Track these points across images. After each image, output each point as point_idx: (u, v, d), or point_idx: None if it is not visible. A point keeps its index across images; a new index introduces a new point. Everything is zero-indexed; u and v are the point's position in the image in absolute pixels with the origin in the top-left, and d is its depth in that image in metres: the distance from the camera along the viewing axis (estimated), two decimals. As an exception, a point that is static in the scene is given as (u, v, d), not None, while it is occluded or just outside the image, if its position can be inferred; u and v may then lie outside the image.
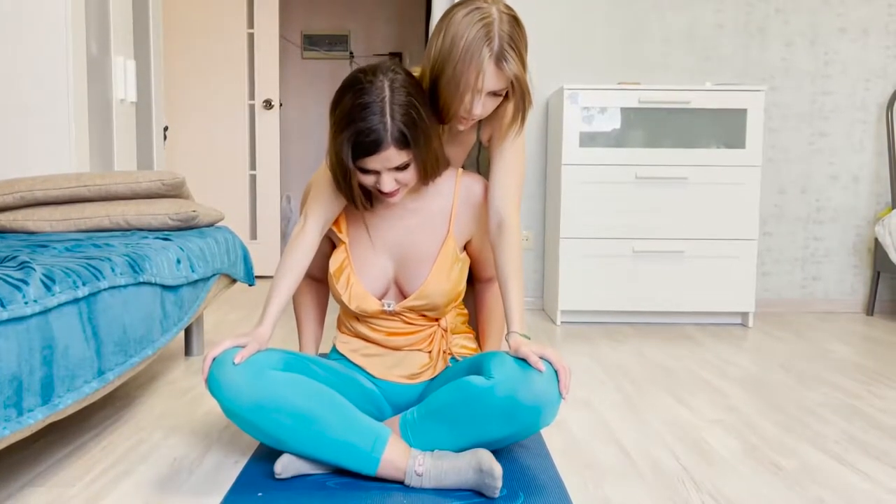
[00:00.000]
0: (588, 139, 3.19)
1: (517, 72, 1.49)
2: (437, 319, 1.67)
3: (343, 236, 1.65)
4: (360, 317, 1.67)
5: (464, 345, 1.72)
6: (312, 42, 5.87)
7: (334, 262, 1.65)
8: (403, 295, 1.65)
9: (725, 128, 3.19)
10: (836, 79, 3.60)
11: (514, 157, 1.64)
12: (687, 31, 3.57)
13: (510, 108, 1.58)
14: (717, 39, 3.57)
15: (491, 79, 1.48)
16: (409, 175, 1.50)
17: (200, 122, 4.68)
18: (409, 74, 1.50)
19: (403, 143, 1.43)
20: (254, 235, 4.82)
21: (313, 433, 1.40)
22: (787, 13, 3.57)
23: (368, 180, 1.50)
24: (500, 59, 1.47)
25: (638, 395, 2.15)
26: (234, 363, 1.41)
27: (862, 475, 1.57)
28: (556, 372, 1.41)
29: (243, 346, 1.45)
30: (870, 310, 3.61)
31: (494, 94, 1.52)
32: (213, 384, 1.41)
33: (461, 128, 1.59)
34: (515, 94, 1.54)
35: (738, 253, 3.20)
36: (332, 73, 5.89)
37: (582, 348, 2.78)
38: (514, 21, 1.51)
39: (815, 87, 3.60)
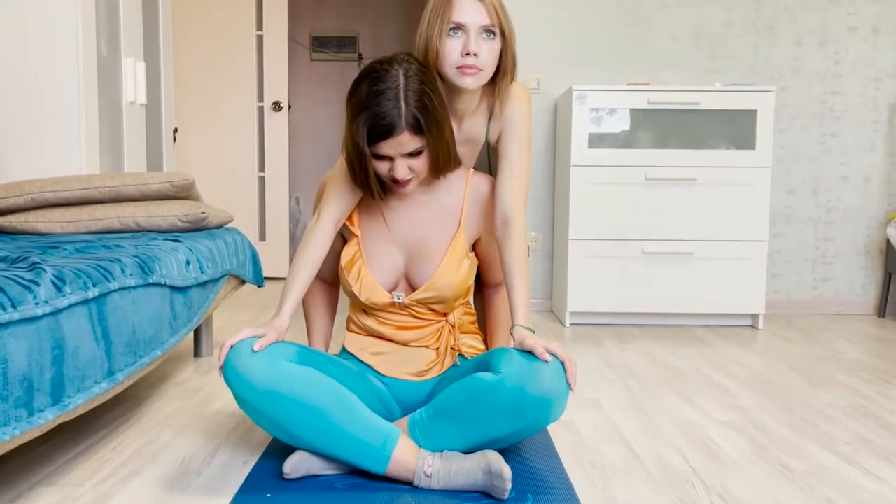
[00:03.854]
0: (597, 140, 3.19)
1: (495, 2, 1.58)
2: (445, 315, 1.68)
3: (355, 229, 1.68)
4: (368, 310, 1.68)
5: (471, 344, 1.73)
6: (321, 44, 5.88)
7: (346, 255, 1.67)
8: (413, 289, 1.66)
9: (735, 128, 3.17)
10: (846, 78, 3.58)
11: (520, 154, 1.66)
12: (695, 31, 3.56)
13: (508, 62, 1.64)
14: (725, 39, 3.56)
15: (471, 10, 1.56)
16: (422, 163, 1.53)
17: (210, 123, 4.70)
18: (422, 65, 1.55)
19: (417, 128, 1.47)
20: (262, 237, 4.83)
21: (325, 427, 1.41)
22: (797, 12, 3.55)
23: (382, 167, 1.53)
24: None
25: (646, 396, 2.15)
26: (251, 351, 1.42)
27: (871, 476, 1.56)
28: (562, 364, 1.41)
29: (261, 336, 1.47)
30: (881, 311, 3.59)
31: (486, 31, 1.58)
32: (228, 371, 1.42)
33: (468, 82, 1.60)
34: (500, 35, 1.60)
35: (747, 254, 3.19)
36: (340, 75, 5.89)
37: (590, 349, 2.78)
38: None
39: (826, 87, 3.59)
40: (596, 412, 1.99)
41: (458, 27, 1.57)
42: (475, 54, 1.57)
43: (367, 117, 1.46)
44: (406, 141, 1.47)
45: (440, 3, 1.59)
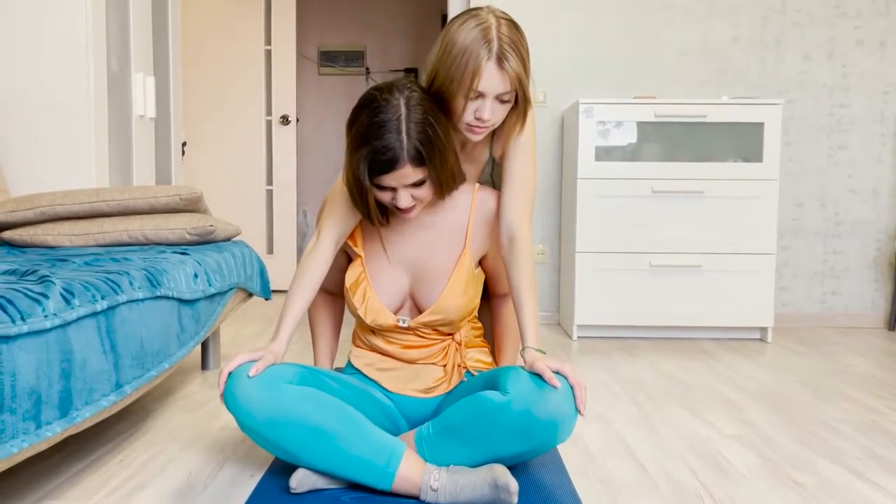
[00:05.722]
0: (604, 153, 3.19)
1: (519, 71, 1.50)
2: (451, 334, 1.68)
3: (359, 250, 1.66)
4: (375, 330, 1.67)
5: (479, 359, 1.72)
6: (329, 58, 5.92)
7: (350, 276, 1.65)
8: (419, 308, 1.65)
9: (742, 141, 3.17)
10: (854, 91, 3.58)
11: (525, 171, 1.64)
12: (702, 45, 3.56)
13: (513, 113, 1.59)
14: (732, 52, 3.57)
15: (494, 80, 1.49)
16: (426, 191, 1.51)
17: (218, 137, 4.72)
18: (425, 92, 1.51)
19: (419, 160, 1.44)
20: (270, 250, 4.84)
21: (328, 448, 1.40)
22: (804, 26, 3.56)
23: (385, 197, 1.51)
24: (500, 58, 1.48)
25: (654, 410, 2.13)
26: (248, 377, 1.41)
27: (882, 491, 1.54)
28: (571, 387, 1.40)
29: (258, 360, 1.46)
30: (891, 325, 3.57)
31: (501, 100, 1.53)
32: (229, 398, 1.42)
33: (474, 138, 1.58)
34: (518, 96, 1.55)
35: (756, 267, 3.18)
36: (348, 89, 5.92)
37: (598, 363, 2.77)
38: (513, 25, 1.52)
39: (833, 100, 3.58)
40: (604, 426, 1.98)
41: (479, 95, 1.51)
42: (488, 118, 1.53)
43: (368, 151, 1.43)
44: (408, 173, 1.45)
45: (466, 60, 1.47)
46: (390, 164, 1.43)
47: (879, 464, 1.71)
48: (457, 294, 1.61)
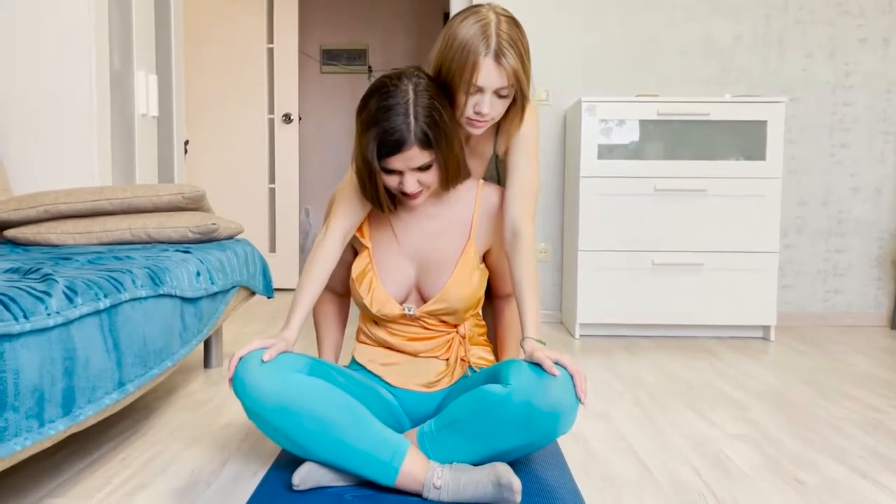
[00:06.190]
0: (606, 151, 3.19)
1: (517, 67, 1.52)
2: (455, 326, 1.68)
3: (366, 241, 1.68)
4: (379, 321, 1.69)
5: (481, 356, 1.73)
6: (331, 56, 5.92)
7: (357, 267, 1.68)
8: (424, 300, 1.67)
9: (745, 139, 3.17)
10: (857, 90, 3.57)
11: (528, 168, 1.66)
12: (705, 43, 3.56)
13: (512, 108, 1.61)
14: (735, 51, 3.56)
15: (492, 75, 1.51)
16: (432, 176, 1.54)
17: (220, 135, 4.73)
18: (432, 79, 1.55)
19: (426, 142, 1.47)
20: (273, 248, 4.85)
21: (333, 440, 1.41)
22: (806, 24, 3.55)
23: (392, 181, 1.53)
24: (498, 54, 1.50)
25: (657, 409, 2.13)
26: (260, 362, 1.43)
27: (885, 490, 1.54)
28: (571, 377, 1.41)
29: (270, 347, 1.47)
30: (894, 323, 3.56)
31: (499, 94, 1.55)
32: (238, 384, 1.43)
33: (475, 131, 1.61)
34: (516, 91, 1.57)
35: (758, 266, 3.18)
36: (350, 88, 5.92)
37: (600, 361, 2.77)
38: (513, 21, 1.55)
39: (836, 99, 3.57)
40: (606, 424, 1.98)
41: (478, 90, 1.54)
42: (486, 112, 1.56)
43: (377, 132, 1.47)
44: (415, 156, 1.48)
45: (466, 55, 1.51)
46: (398, 146, 1.46)
47: (882, 462, 1.71)
48: (462, 284, 1.63)
